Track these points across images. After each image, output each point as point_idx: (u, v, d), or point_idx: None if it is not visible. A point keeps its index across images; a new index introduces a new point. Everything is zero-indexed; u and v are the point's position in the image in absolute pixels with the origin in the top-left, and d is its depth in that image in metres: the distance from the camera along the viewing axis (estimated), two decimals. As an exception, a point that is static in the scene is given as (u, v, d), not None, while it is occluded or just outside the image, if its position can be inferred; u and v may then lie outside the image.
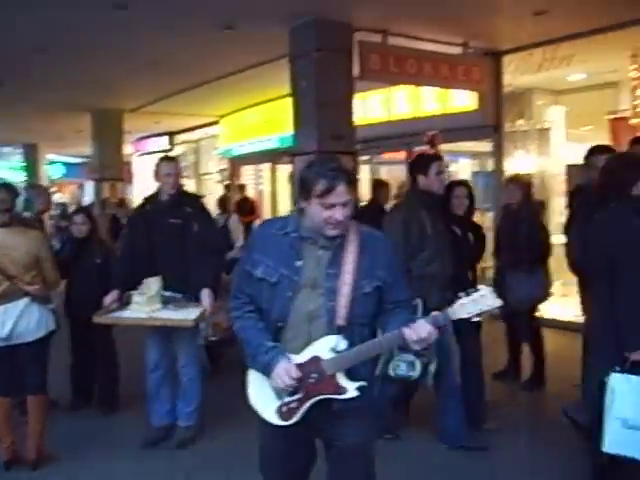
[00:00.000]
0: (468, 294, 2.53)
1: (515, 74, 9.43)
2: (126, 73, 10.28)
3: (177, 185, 5.03)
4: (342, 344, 2.58)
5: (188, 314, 4.80)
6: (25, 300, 4.66)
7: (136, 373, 5.82)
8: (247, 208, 12.44)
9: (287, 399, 2.64)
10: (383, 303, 2.74)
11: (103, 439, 5.32)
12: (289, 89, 8.15)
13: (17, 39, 8.14)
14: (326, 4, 7.15)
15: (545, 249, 6.32)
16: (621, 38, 8.03)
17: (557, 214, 10.35)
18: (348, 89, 7.78)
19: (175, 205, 4.99)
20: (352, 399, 2.61)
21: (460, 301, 2.53)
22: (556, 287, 8.40)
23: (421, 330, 2.50)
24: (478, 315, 2.53)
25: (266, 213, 14.72)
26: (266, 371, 2.66)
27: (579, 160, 9.92)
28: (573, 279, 5.42)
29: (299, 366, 2.61)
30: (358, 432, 2.76)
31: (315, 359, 2.61)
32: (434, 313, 2.57)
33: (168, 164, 5.06)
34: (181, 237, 4.94)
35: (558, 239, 10.18)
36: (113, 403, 6.01)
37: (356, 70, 7.74)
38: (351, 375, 2.63)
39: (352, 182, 2.63)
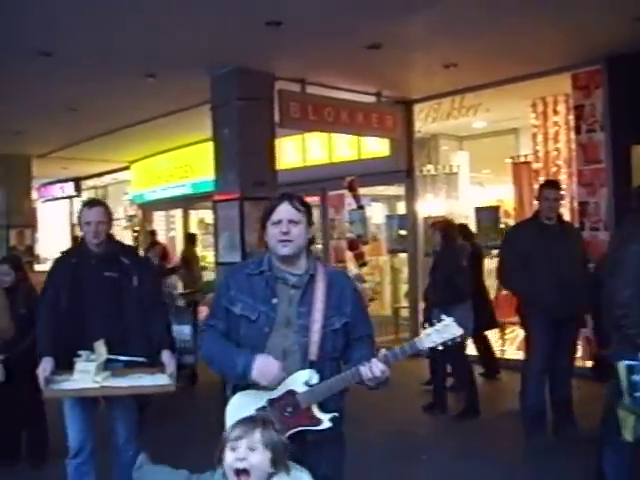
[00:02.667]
0: (432, 325, 2.70)
1: (425, 121, 9.90)
2: (41, 119, 10.14)
3: (105, 234, 4.32)
4: (315, 378, 2.72)
5: (144, 380, 4.14)
6: None
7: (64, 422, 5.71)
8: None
9: None
10: (348, 338, 2.89)
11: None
12: (203, 135, 8.29)
13: None
14: (247, 54, 7.34)
15: (462, 288, 6.61)
16: (522, 89, 8.63)
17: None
18: (270, 136, 7.98)
19: (109, 256, 4.34)
20: (324, 430, 2.73)
21: (425, 331, 2.71)
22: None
23: (375, 369, 2.65)
24: (443, 344, 2.69)
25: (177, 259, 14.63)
26: (246, 372, 2.71)
27: (484, 202, 10.58)
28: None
29: (275, 400, 2.73)
30: (330, 464, 2.87)
31: (290, 393, 2.73)
32: (383, 351, 2.71)
33: (90, 210, 4.32)
34: (118, 293, 4.29)
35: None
36: (43, 454, 5.85)
37: (276, 118, 7.98)
38: (323, 407, 2.75)
39: (299, 205, 2.83)
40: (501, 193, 11.72)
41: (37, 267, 16.08)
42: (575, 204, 8.49)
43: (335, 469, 2.93)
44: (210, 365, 2.95)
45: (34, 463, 5.74)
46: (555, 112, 9.29)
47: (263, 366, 2.69)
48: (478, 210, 9.61)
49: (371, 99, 9.15)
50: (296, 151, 11.47)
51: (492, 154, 11.11)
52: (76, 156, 14.07)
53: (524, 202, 9.75)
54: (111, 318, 4.25)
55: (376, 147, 10.32)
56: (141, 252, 13.83)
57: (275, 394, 2.74)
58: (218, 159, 8.06)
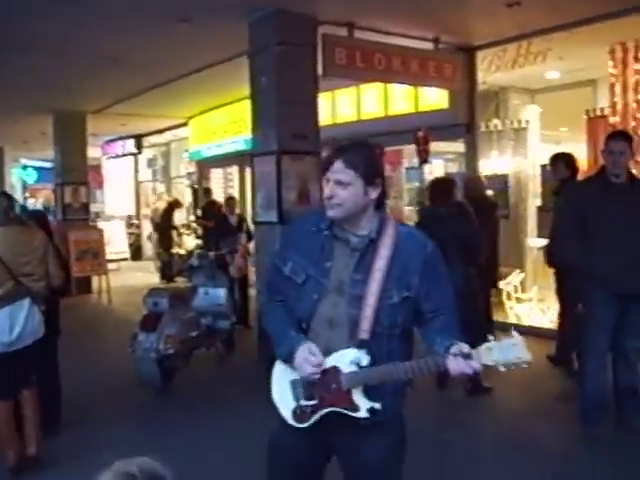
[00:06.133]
0: (498, 339, 2.26)
1: (489, 71, 9.05)
2: (84, 72, 9.74)
3: None
4: (364, 360, 2.38)
5: None
6: (28, 301, 4.73)
7: (79, 392, 5.38)
8: (213, 212, 11.94)
9: (303, 403, 2.50)
10: (420, 312, 2.52)
11: (49, 464, 4.78)
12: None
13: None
14: (287, -6, 6.72)
15: None
16: (598, 32, 7.68)
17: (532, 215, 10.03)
18: (312, 86, 7.32)
19: None
20: (375, 414, 2.42)
21: (486, 345, 2.25)
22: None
23: (465, 367, 2.27)
24: (504, 365, 2.23)
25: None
26: (289, 360, 2.51)
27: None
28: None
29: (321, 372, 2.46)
30: (378, 449, 2.55)
31: (334, 370, 2.43)
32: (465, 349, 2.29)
33: None
34: None
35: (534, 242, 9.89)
36: (57, 422, 5.50)
37: (321, 66, 7.32)
38: (371, 391, 2.42)
39: (353, 163, 2.41)
40: (578, 151, 10.77)
41: (100, 224, 16.10)
42: (655, 162, 7.57)
43: (385, 456, 2.57)
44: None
45: (47, 433, 5.38)
46: (636, 59, 8.30)
47: (302, 360, 2.43)
48: (544, 168, 8.74)
49: (428, 45, 8.32)
50: (350, 104, 10.76)
51: (568, 108, 10.17)
52: (133, 112, 13.77)
53: (599, 161, 8.85)
54: None
55: (435, 99, 9.52)
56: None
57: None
58: (256, 111, 7.50)
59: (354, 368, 2.39)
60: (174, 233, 14.90)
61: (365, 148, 2.52)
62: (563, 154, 7.05)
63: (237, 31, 7.32)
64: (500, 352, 2.22)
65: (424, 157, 9.67)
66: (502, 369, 2.24)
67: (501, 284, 8.41)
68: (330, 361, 2.44)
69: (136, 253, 18.29)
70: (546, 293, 8.67)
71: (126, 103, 12.65)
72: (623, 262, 4.63)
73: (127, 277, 15.39)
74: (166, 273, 14.23)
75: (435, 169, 11.45)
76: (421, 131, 9.21)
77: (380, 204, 2.53)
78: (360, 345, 2.39)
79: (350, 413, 2.42)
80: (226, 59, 8.90)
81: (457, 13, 7.48)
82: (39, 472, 4.67)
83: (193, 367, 6.89)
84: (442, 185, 6.45)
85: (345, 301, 2.45)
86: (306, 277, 2.50)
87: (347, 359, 2.40)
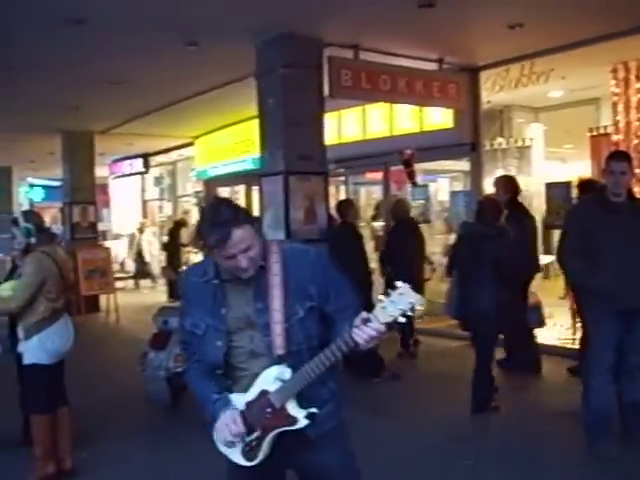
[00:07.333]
0: (387, 295, 2.29)
1: (493, 90, 9.16)
2: (92, 93, 9.89)
3: None
4: (286, 373, 2.45)
5: None
6: (66, 314, 4.96)
7: (88, 410, 5.46)
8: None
9: (247, 439, 2.51)
10: (327, 315, 2.57)
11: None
12: (258, 108, 7.84)
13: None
14: (294, 18, 6.83)
15: None
16: (600, 52, 7.80)
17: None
18: (317, 107, 7.44)
19: None
20: (324, 423, 2.51)
21: (380, 305, 2.30)
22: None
23: (369, 331, 2.28)
24: (403, 316, 2.28)
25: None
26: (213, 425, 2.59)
27: (559, 178, 9.82)
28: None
29: (250, 404, 2.51)
30: (333, 455, 2.64)
31: (263, 393, 2.49)
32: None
33: None
34: None
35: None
36: None
37: (327, 87, 7.44)
38: (307, 401, 2.47)
39: (247, 222, 2.43)
40: (583, 169, 10.87)
41: (107, 243, 16.22)
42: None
43: (336, 460, 2.65)
44: None
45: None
46: (638, 78, 8.43)
47: (223, 427, 2.51)
48: (549, 186, 8.84)
49: (432, 66, 8.44)
50: (356, 123, 10.88)
51: (572, 126, 10.30)
52: (139, 132, 13.90)
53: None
54: None
55: (439, 119, 9.62)
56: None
57: (250, 396, 2.52)
58: (263, 132, 7.60)
59: (279, 384, 2.45)
60: (182, 251, 14.97)
61: (230, 203, 2.52)
62: (502, 177, 7.33)
63: (244, 53, 7.44)
64: (393, 306, 2.27)
65: (413, 179, 9.82)
66: (402, 320, 2.29)
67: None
68: (257, 386, 2.50)
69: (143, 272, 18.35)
70: (555, 309, 8.75)
71: (133, 123, 12.81)
72: (625, 279, 4.68)
73: (134, 295, 15.47)
74: (174, 291, 14.26)
75: (440, 187, 11.56)
76: (407, 152, 9.32)
77: (258, 231, 2.53)
78: (278, 361, 2.46)
79: (291, 427, 2.46)
80: (233, 80, 9.04)
81: (460, 35, 7.61)
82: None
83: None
84: (489, 206, 6.39)
85: (258, 332, 2.50)
86: (205, 328, 2.55)
87: (270, 377, 2.47)
